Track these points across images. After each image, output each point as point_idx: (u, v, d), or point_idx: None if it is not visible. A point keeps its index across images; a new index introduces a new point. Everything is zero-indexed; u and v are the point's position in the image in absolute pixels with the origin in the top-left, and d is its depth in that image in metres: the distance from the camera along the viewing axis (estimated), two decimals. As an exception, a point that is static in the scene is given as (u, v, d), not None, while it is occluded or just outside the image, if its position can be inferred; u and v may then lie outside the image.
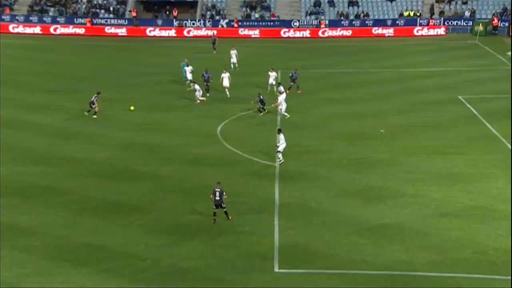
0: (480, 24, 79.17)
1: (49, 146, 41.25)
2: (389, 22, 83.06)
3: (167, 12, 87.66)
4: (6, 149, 40.37)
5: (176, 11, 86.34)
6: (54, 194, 33.81)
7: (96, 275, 26.07)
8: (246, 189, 34.24)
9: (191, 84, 51.76)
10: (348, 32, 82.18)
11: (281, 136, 37.48)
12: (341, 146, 40.77)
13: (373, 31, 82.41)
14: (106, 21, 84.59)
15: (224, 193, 30.06)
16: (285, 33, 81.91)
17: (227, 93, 52.08)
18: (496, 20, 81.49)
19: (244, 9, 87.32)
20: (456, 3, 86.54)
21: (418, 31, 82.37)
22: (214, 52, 70.76)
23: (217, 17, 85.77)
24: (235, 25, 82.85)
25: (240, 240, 28.89)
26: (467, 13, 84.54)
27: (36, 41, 79.23)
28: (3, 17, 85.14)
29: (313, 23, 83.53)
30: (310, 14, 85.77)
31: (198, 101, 50.19)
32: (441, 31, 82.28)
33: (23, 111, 48.62)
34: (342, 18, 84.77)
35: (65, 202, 32.83)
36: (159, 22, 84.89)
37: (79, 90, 54.46)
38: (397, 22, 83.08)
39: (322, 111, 48.55)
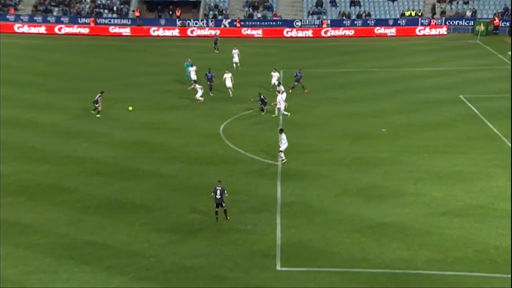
0: (481, 24, 79.34)
1: (53, 145, 41.49)
2: (391, 22, 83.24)
3: (170, 12, 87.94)
4: (10, 148, 40.62)
5: (179, 11, 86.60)
6: (58, 192, 34.03)
7: (99, 273, 26.27)
8: (248, 187, 34.44)
9: (193, 83, 51.89)
10: (350, 32, 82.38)
11: (283, 136, 37.64)
12: (342, 145, 40.96)
13: (375, 31, 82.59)
14: (110, 20, 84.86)
15: (226, 192, 30.24)
16: (288, 32, 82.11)
17: (230, 92, 52.29)
18: (497, 20, 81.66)
19: (246, 9, 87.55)
20: (458, 3, 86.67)
21: (420, 30, 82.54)
22: (216, 51, 70.96)
23: (219, 17, 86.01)
24: (238, 25, 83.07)
25: (242, 238, 29.07)
26: (468, 13, 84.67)
27: (41, 40, 79.47)
28: (7, 17, 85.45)
29: (315, 23, 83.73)
30: (312, 14, 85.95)
31: (201, 100, 50.37)
32: (443, 30, 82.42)
33: (27, 110, 48.86)
34: (344, 18, 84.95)
35: (69, 200, 33.06)
36: (162, 22, 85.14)
37: (82, 89, 54.73)
38: (398, 22, 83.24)
39: (324, 110, 48.75)
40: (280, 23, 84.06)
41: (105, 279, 25.90)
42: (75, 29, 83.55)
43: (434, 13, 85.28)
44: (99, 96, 47.09)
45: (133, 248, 28.18)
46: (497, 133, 42.91)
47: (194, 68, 55.55)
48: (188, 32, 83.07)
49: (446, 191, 33.78)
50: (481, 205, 32.26)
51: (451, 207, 31.97)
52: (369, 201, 32.71)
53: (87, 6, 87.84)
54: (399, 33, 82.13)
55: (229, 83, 52.23)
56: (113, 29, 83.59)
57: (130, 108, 48.46)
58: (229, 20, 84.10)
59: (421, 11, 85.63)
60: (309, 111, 48.39)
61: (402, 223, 30.29)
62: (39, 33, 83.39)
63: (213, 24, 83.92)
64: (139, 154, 39.75)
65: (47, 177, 36.11)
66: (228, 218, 30.59)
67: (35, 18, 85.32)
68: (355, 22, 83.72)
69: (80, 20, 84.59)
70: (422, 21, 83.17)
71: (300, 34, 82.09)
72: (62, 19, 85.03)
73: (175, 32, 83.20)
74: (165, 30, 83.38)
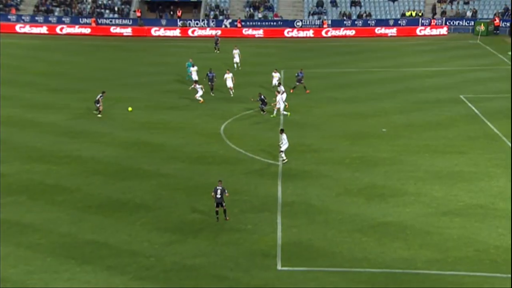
0: (482, 24, 79.32)
1: (54, 144, 41.54)
2: (391, 22, 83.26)
3: (171, 12, 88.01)
4: (11, 148, 40.68)
5: (180, 11, 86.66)
6: (59, 192, 34.10)
7: (100, 273, 26.33)
8: (249, 187, 34.49)
9: (194, 84, 51.90)
10: (351, 32, 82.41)
11: (284, 136, 37.67)
12: (343, 145, 41.00)
13: (375, 31, 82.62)
14: (111, 21, 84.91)
15: (226, 191, 30.28)
16: (288, 33, 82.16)
17: (231, 93, 52.35)
18: (497, 20, 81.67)
19: (247, 9, 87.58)
20: (458, 3, 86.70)
21: (421, 31, 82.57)
22: (217, 52, 71.01)
23: (220, 17, 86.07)
24: (239, 25, 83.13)
25: (243, 238, 29.12)
26: (468, 13, 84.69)
27: (42, 41, 79.49)
28: (9, 17, 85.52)
29: (316, 23, 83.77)
30: (313, 14, 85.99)
31: (201, 100, 50.43)
32: (443, 31, 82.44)
33: (28, 110, 48.93)
34: (345, 18, 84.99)
35: (70, 200, 33.12)
36: (163, 22, 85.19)
37: (83, 89, 54.79)
38: (399, 22, 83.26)
39: (324, 110, 48.80)
40: (281, 23, 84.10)
41: (106, 278, 25.95)
42: (76, 29, 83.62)
43: (434, 13, 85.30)
44: (100, 96, 47.16)
45: (133, 248, 28.23)
46: (497, 133, 42.95)
47: (195, 68, 55.57)
48: (189, 32, 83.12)
49: (446, 191, 33.83)
50: (481, 205, 32.31)
51: (451, 207, 32.02)
52: (370, 200, 32.75)
53: (89, 7, 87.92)
54: (399, 33, 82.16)
55: (230, 83, 52.28)
56: (114, 29, 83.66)
57: (130, 108, 48.44)
58: (230, 20, 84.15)
59: (422, 11, 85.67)
60: (310, 111, 48.44)
61: (402, 223, 30.35)
62: (40, 33, 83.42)
63: (214, 24, 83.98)
64: (140, 154, 39.81)
65: (47, 177, 36.16)
66: (228, 218, 30.61)
67: (36, 18, 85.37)
68: (356, 22, 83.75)
69: (82, 20, 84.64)
70: (422, 21, 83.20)
71: (301, 34, 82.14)
72: (63, 19, 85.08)
73: (176, 32, 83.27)
74: (166, 30, 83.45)
